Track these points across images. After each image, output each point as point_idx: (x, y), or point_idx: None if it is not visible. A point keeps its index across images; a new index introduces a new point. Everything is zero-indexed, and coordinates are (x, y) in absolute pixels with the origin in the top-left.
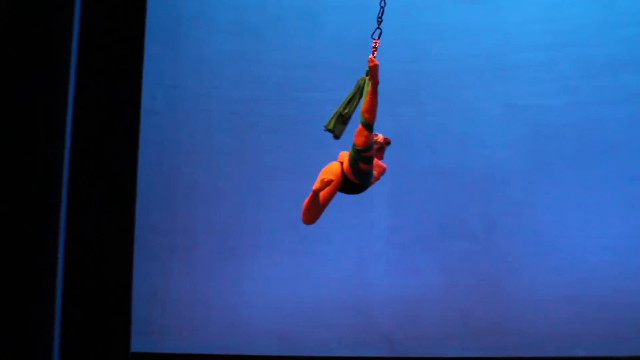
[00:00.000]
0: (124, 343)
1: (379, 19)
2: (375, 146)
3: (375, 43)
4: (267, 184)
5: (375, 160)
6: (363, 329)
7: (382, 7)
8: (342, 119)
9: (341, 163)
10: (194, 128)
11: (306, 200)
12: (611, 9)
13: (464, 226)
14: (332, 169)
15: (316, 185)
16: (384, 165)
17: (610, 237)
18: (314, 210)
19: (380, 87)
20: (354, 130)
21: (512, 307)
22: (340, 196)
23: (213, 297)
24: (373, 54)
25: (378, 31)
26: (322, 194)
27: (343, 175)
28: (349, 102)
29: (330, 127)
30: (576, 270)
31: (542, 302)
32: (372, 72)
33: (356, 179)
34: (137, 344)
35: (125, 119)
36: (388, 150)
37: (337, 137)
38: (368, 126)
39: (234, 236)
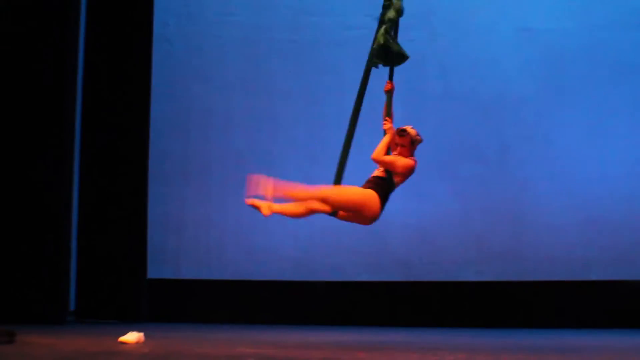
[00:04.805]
0: (141, 270)
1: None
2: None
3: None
4: (280, 110)
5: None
6: (379, 255)
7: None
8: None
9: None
10: (206, 55)
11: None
12: None
13: (477, 151)
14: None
15: None
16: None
17: (626, 161)
18: None
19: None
20: None
21: (526, 232)
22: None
23: (228, 224)
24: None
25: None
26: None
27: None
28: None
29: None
30: (591, 194)
31: (556, 227)
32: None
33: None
34: (154, 271)
35: (137, 47)
36: (400, 74)
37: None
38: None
39: (248, 162)
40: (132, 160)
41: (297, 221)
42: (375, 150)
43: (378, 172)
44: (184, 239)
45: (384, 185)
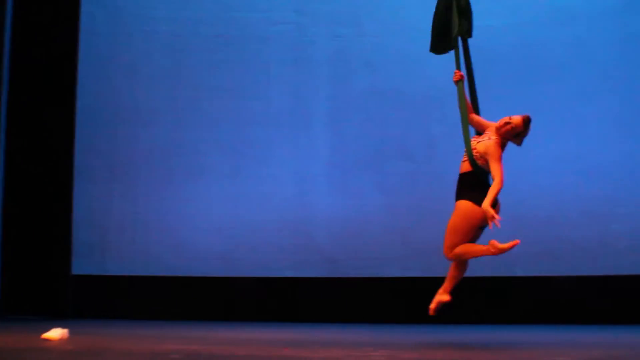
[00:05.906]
0: (65, 266)
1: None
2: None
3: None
4: (206, 105)
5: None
6: (304, 250)
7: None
8: None
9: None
10: (132, 49)
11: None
12: None
13: (403, 147)
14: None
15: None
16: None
17: (549, 157)
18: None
19: (319, 7)
20: None
21: None
22: (278, 117)
23: (154, 219)
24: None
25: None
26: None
27: None
28: None
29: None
30: (516, 190)
31: None
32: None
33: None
34: (78, 267)
35: (64, 39)
36: (328, 71)
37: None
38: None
39: (174, 157)
40: (57, 155)
41: (222, 217)
42: (498, 180)
43: (464, 167)
44: (109, 235)
45: (475, 180)
